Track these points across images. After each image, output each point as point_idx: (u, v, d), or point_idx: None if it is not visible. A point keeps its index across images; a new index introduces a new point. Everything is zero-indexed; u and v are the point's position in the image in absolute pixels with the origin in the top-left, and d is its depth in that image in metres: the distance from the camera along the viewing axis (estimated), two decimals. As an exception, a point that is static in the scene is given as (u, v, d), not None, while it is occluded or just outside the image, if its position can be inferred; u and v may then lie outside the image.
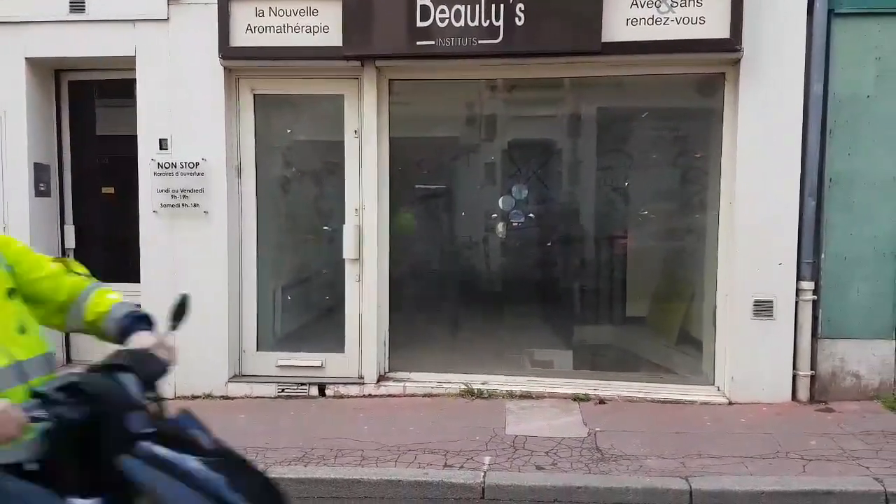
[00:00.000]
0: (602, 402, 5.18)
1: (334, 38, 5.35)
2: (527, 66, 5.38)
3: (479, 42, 5.07)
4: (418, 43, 5.17)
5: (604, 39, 5.00)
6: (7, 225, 5.86)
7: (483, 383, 5.58)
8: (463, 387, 5.54)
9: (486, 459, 4.16)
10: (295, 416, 5.25)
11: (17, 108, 5.79)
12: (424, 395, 5.56)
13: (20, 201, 5.84)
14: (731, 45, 4.98)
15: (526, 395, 5.34)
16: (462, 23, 5.07)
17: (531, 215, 5.89)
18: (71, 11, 5.65)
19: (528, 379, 5.59)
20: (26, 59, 5.75)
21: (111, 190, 6.28)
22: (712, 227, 5.47)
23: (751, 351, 5.14)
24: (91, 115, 6.32)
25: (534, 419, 4.85)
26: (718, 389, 5.36)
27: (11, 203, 5.84)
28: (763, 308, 5.07)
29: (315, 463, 4.26)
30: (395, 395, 5.61)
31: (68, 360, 6.33)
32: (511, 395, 5.35)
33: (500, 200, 6.08)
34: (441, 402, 5.44)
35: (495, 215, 5.97)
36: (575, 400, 5.23)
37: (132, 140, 6.01)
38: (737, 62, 5.10)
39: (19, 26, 5.71)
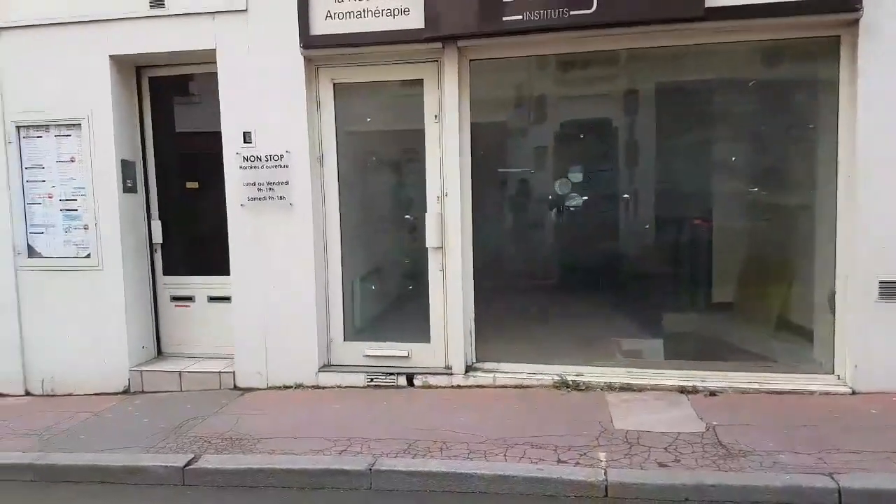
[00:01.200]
0: (713, 394, 4.89)
1: (414, 21, 5.18)
2: (619, 36, 5.06)
3: (571, 13, 4.80)
4: (505, 18, 4.94)
5: (707, 4, 4.64)
6: (98, 221, 5.97)
7: (577, 374, 5.37)
8: (556, 378, 5.35)
9: (602, 455, 3.95)
10: (388, 406, 5.18)
11: (104, 107, 5.86)
12: (515, 387, 5.41)
13: (109, 197, 5.94)
14: (850, 5, 4.54)
15: (626, 388, 5.10)
16: (551, -6, 4.81)
17: (626, 196, 5.59)
18: (151, 7, 5.66)
19: (627, 370, 5.34)
20: (110, 56, 5.81)
21: (195, 184, 6.32)
22: (826, 205, 5.05)
23: (877, 336, 4.74)
24: (172, 110, 6.36)
25: (640, 413, 4.61)
26: (839, 378, 4.98)
27: (101, 199, 5.95)
28: (891, 290, 4.65)
29: (422, 455, 4.19)
30: (484, 386, 5.46)
31: (159, 352, 6.45)
32: (610, 388, 5.12)
33: (584, 182, 5.80)
34: (534, 393, 5.26)
35: (578, 200, 5.68)
36: (681, 392, 4.96)
37: (213, 134, 6.03)
38: (855, 23, 4.66)
39: (102, 24, 5.77)
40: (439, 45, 5.27)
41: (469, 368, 5.58)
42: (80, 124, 5.91)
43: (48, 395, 6.15)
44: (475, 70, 5.45)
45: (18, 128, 6.01)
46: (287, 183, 5.65)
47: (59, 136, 6.00)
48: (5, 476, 4.52)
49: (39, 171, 6.07)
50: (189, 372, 6.00)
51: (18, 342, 6.16)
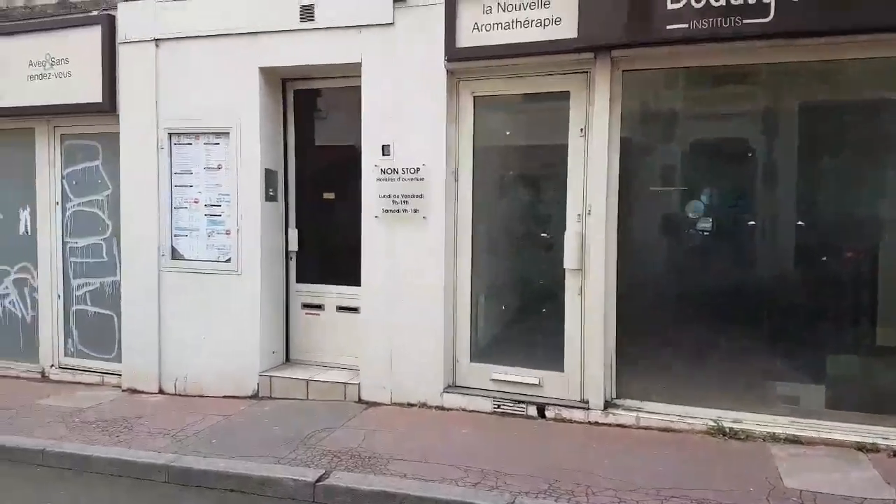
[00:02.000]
0: (897, 455, 4.24)
1: (566, 31, 4.92)
2: (798, 47, 4.55)
3: (744, 22, 4.36)
4: (668, 27, 4.58)
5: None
6: (240, 227, 6.11)
7: (735, 421, 4.83)
8: (711, 423, 4.84)
9: (775, 520, 3.47)
10: (520, 437, 4.90)
11: (251, 117, 6.01)
12: (662, 430, 4.94)
13: (252, 205, 6.07)
14: None
15: (792, 440, 4.53)
16: (722, 1, 4.39)
17: (800, 223, 5.00)
18: (301, 20, 5.75)
19: (790, 420, 4.75)
20: (259, 68, 5.96)
21: (331, 195, 6.36)
22: None
23: None
24: (312, 122, 6.45)
25: (812, 470, 4.05)
26: None
27: (245, 207, 6.09)
28: None
29: (565, 498, 3.87)
30: (626, 426, 5.04)
31: (287, 359, 6.51)
32: (774, 438, 4.56)
33: (745, 205, 5.27)
34: (685, 439, 4.79)
35: (737, 225, 5.16)
36: (859, 449, 4.33)
37: (350, 147, 6.06)
38: None
39: (253, 37, 5.93)
40: (591, 55, 4.99)
41: (608, 404, 5.18)
42: (228, 133, 6.11)
43: (180, 395, 6.35)
44: (627, 82, 5.11)
45: (170, 135, 6.30)
46: (422, 196, 5.54)
47: (208, 143, 6.23)
48: (140, 475, 4.63)
49: (188, 176, 6.32)
50: (316, 381, 6.00)
51: (156, 341, 6.41)
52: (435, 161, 5.49)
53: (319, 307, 6.42)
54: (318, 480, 4.22)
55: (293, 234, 6.42)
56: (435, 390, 5.58)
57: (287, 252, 6.46)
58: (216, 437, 5.09)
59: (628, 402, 5.19)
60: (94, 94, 6.42)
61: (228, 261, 6.20)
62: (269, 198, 6.19)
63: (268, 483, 4.30)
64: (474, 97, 5.50)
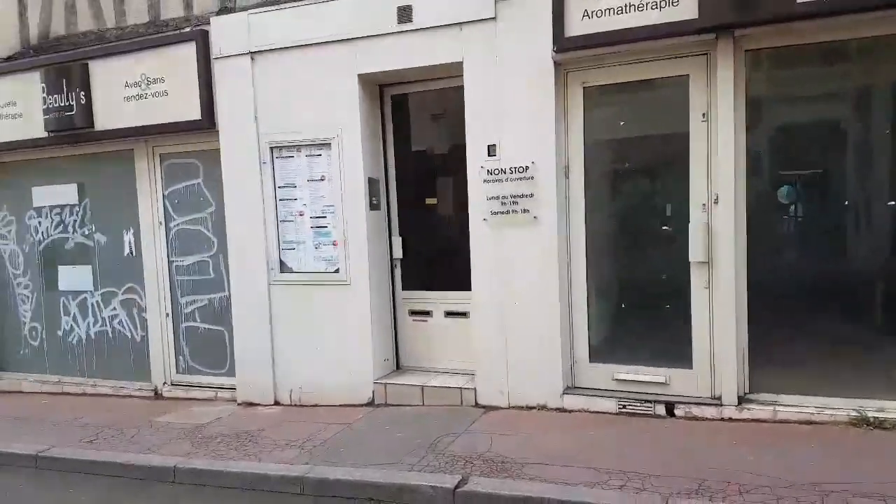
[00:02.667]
0: None
1: (685, 12, 4.72)
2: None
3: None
4: (799, 0, 4.32)
5: None
6: (346, 238, 6.11)
7: (878, 410, 4.55)
8: (854, 414, 4.57)
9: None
10: (652, 437, 4.71)
11: (352, 126, 6.00)
12: (800, 423, 4.70)
13: (357, 215, 6.06)
14: None
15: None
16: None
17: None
18: (399, 22, 5.71)
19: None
20: (358, 76, 5.94)
21: (433, 201, 6.29)
22: None
23: None
24: (410, 127, 6.41)
25: None
26: None
27: (349, 216, 6.09)
28: None
29: (719, 498, 3.69)
30: (762, 421, 4.80)
31: (398, 366, 6.48)
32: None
33: (880, 189, 4.92)
34: (827, 431, 4.54)
35: (887, 205, 4.83)
36: None
37: (451, 150, 6.00)
38: None
39: (350, 43, 5.91)
40: (712, 36, 4.76)
41: (741, 399, 4.93)
42: (329, 144, 6.12)
43: (296, 406, 6.39)
44: (749, 62, 4.86)
45: (272, 148, 6.35)
46: (532, 196, 5.41)
47: (311, 155, 6.26)
48: (274, 488, 4.63)
49: (292, 189, 6.36)
50: (431, 387, 5.93)
51: (269, 353, 6.47)
52: (544, 158, 5.35)
53: (427, 314, 6.37)
54: (456, 487, 4.14)
55: (397, 241, 6.39)
56: (554, 392, 5.44)
57: (392, 260, 6.42)
58: (343, 447, 5.08)
59: (763, 396, 4.94)
60: (192, 112, 6.53)
61: (337, 271, 6.21)
62: (373, 206, 6.17)
63: (405, 490, 4.24)
64: (584, 88, 5.34)
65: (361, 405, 6.13)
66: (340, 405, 6.19)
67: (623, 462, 4.27)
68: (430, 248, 6.34)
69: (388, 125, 6.34)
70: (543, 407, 5.49)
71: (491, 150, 5.52)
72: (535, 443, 4.75)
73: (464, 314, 6.12)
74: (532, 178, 5.39)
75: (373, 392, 6.12)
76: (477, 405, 5.72)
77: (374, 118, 6.21)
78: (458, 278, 6.01)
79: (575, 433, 4.91)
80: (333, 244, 6.23)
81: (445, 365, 6.25)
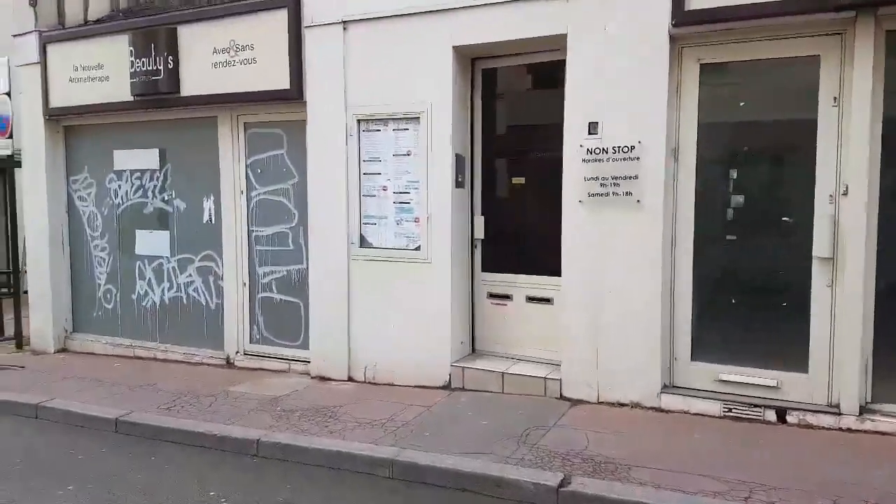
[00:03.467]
0: None
1: (825, -16, 4.30)
2: None
3: None
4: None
5: None
6: (430, 215, 5.90)
7: None
8: None
9: None
10: (764, 444, 4.39)
11: (443, 100, 5.77)
12: (930, 437, 4.30)
13: (442, 192, 5.84)
14: None
15: None
16: None
17: None
18: (500, -9, 5.42)
19: None
20: (454, 48, 5.68)
21: (521, 180, 6.03)
22: None
23: None
24: (499, 103, 6.15)
25: None
26: None
27: (434, 193, 5.88)
28: None
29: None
30: (885, 434, 4.42)
31: (473, 350, 6.27)
32: None
33: None
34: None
35: None
36: None
37: (542, 128, 5.72)
38: None
39: (445, 14, 5.67)
40: (852, 13, 4.34)
41: (863, 409, 4.55)
42: (418, 118, 5.90)
43: (370, 383, 6.25)
44: (890, 43, 4.43)
45: (359, 121, 6.16)
46: (636, 177, 5.09)
47: (397, 129, 6.05)
48: (359, 468, 4.49)
49: (376, 164, 6.18)
50: (511, 374, 5.71)
51: (346, 328, 6.33)
52: (651, 138, 5.02)
53: (507, 297, 6.13)
54: (560, 485, 3.90)
55: (479, 221, 6.15)
56: (650, 390, 5.15)
57: (472, 240, 6.19)
58: (427, 430, 4.90)
59: (888, 408, 4.55)
60: (280, 81, 6.39)
61: (418, 249, 6.02)
62: (458, 184, 5.94)
63: (503, 484, 4.03)
64: (700, 65, 4.97)
65: (437, 387, 5.95)
66: (414, 386, 6.03)
67: (741, 471, 3.97)
68: (514, 230, 6.09)
69: (477, 100, 6.08)
70: (637, 405, 5.20)
71: (592, 128, 5.22)
72: (638, 444, 4.48)
73: (547, 300, 5.86)
74: (637, 158, 5.07)
75: (449, 375, 5.93)
76: (562, 397, 5.47)
77: (464, 92, 5.96)
78: (543, 262, 5.77)
79: (679, 436, 4.62)
80: (415, 221, 6.04)
81: (524, 352, 6.01)
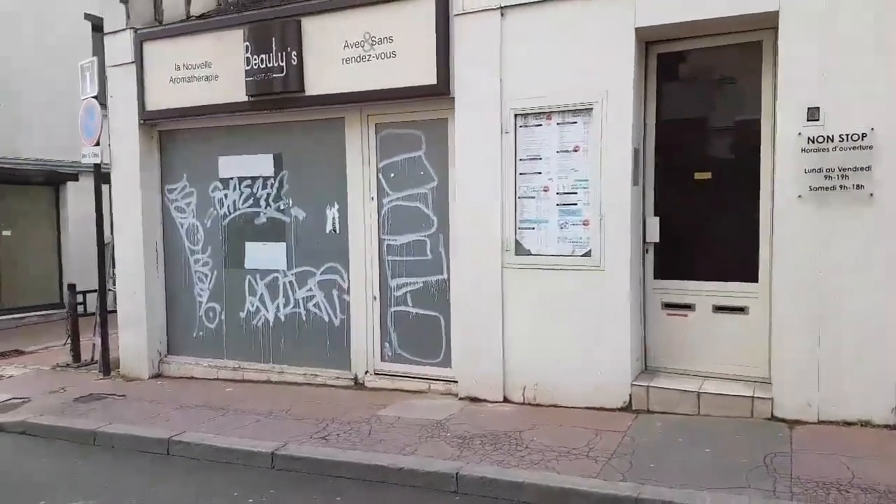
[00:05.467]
0: None
1: None
2: None
3: None
4: None
5: None
6: (603, 216, 5.34)
7: None
8: None
9: None
10: None
11: (622, 88, 5.22)
12: None
13: (618, 191, 5.29)
14: None
15: None
16: None
17: None
18: (697, -33, 4.87)
19: None
20: (636, 30, 5.13)
21: (706, 175, 5.44)
22: None
23: None
24: (677, 90, 5.59)
25: None
26: None
27: (608, 193, 5.32)
28: None
29: None
30: None
31: (645, 367, 5.66)
32: None
33: None
34: None
35: None
36: None
37: (733, 116, 5.21)
38: None
39: (626, -7, 5.11)
40: None
41: None
42: (590, 109, 5.34)
43: (530, 405, 5.65)
44: None
45: (516, 116, 5.62)
46: (868, 168, 4.52)
47: (563, 123, 5.50)
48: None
49: (535, 162, 5.63)
50: (709, 394, 5.10)
51: (500, 345, 5.75)
52: (889, 124, 4.43)
53: (687, 307, 5.53)
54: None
55: (653, 222, 5.57)
56: (883, 405, 4.55)
57: (644, 244, 5.60)
58: (645, 460, 4.29)
59: None
60: (425, 76, 5.85)
61: (587, 255, 5.44)
62: (634, 181, 5.36)
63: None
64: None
65: (614, 409, 5.34)
66: (585, 408, 5.43)
67: None
68: (694, 231, 5.52)
69: (651, 87, 5.52)
70: (867, 423, 4.60)
71: (812, 115, 4.65)
72: (901, 469, 3.86)
73: (740, 309, 5.28)
74: (870, 147, 4.49)
75: (629, 396, 5.32)
76: (773, 418, 4.86)
77: (640, 79, 5.39)
78: (733, 267, 5.20)
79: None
80: (584, 224, 5.47)
81: (712, 368, 5.40)
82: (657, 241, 5.56)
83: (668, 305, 5.60)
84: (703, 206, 5.47)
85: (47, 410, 6.31)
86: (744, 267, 5.13)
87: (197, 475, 4.83)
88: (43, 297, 12.51)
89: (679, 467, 4.14)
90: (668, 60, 5.49)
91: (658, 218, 5.55)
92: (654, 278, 5.63)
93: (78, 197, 12.62)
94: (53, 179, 12.52)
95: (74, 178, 12.68)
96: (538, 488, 4.03)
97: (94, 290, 8.98)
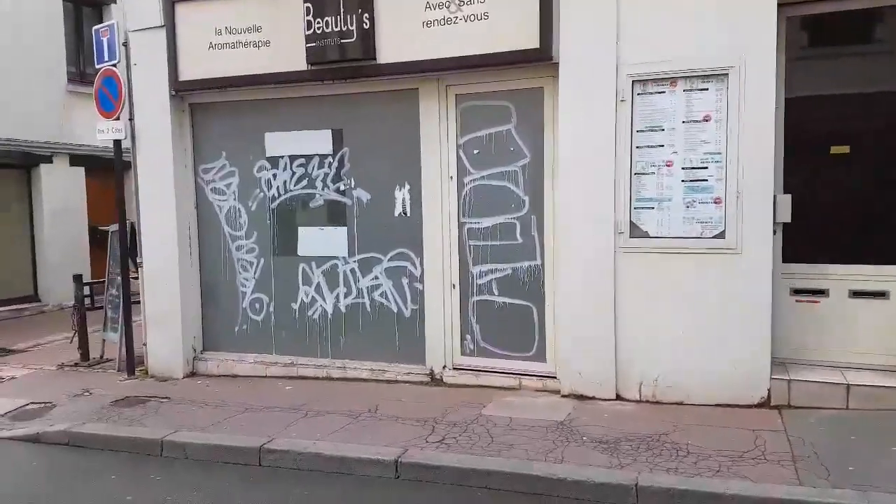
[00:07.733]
0: None
1: None
2: None
3: None
4: None
5: None
6: (740, 193, 4.87)
7: None
8: None
9: None
10: None
11: (764, 49, 4.76)
12: None
13: (760, 164, 4.87)
14: None
15: None
16: None
17: None
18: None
19: None
20: (782, -13, 4.64)
21: (844, 149, 5.00)
22: None
23: None
24: (810, 57, 5.14)
25: None
26: None
27: (747, 167, 4.87)
28: None
29: None
30: None
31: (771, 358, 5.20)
32: None
33: None
34: None
35: None
36: None
37: (877, 86, 4.74)
38: None
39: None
40: None
41: None
42: (725, 75, 4.84)
43: (648, 402, 5.15)
44: None
45: (634, 82, 5.07)
46: None
47: (690, 90, 4.98)
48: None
49: (656, 133, 5.10)
50: (862, 385, 4.68)
51: (611, 337, 5.22)
52: None
53: (820, 292, 5.10)
54: None
55: (784, 199, 5.08)
56: None
57: (774, 225, 5.13)
58: (843, 463, 3.83)
59: None
60: (523, 39, 5.25)
61: (719, 235, 4.94)
62: (776, 155, 4.88)
63: None
64: None
65: (751, 406, 4.89)
66: (715, 405, 4.96)
67: None
68: (831, 210, 5.09)
69: (781, 54, 5.03)
70: None
71: None
72: None
73: (881, 294, 4.87)
74: None
75: (768, 390, 4.86)
76: (937, 411, 4.47)
77: (782, 41, 4.91)
78: (871, 248, 4.79)
79: None
80: (715, 202, 4.97)
81: (848, 358, 5.00)
82: (788, 220, 5.09)
83: (797, 291, 5.15)
84: (837, 183, 5.04)
85: (84, 417, 5.52)
86: (882, 248, 4.71)
87: (305, 487, 4.16)
88: (12, 291, 11.17)
89: (879, 470, 3.69)
90: (798, 23, 5.01)
91: (790, 196, 5.08)
92: (782, 261, 5.16)
93: (52, 181, 11.37)
94: (23, 162, 11.17)
95: (48, 159, 11.37)
96: (740, 499, 3.50)
97: (89, 283, 8.17)
